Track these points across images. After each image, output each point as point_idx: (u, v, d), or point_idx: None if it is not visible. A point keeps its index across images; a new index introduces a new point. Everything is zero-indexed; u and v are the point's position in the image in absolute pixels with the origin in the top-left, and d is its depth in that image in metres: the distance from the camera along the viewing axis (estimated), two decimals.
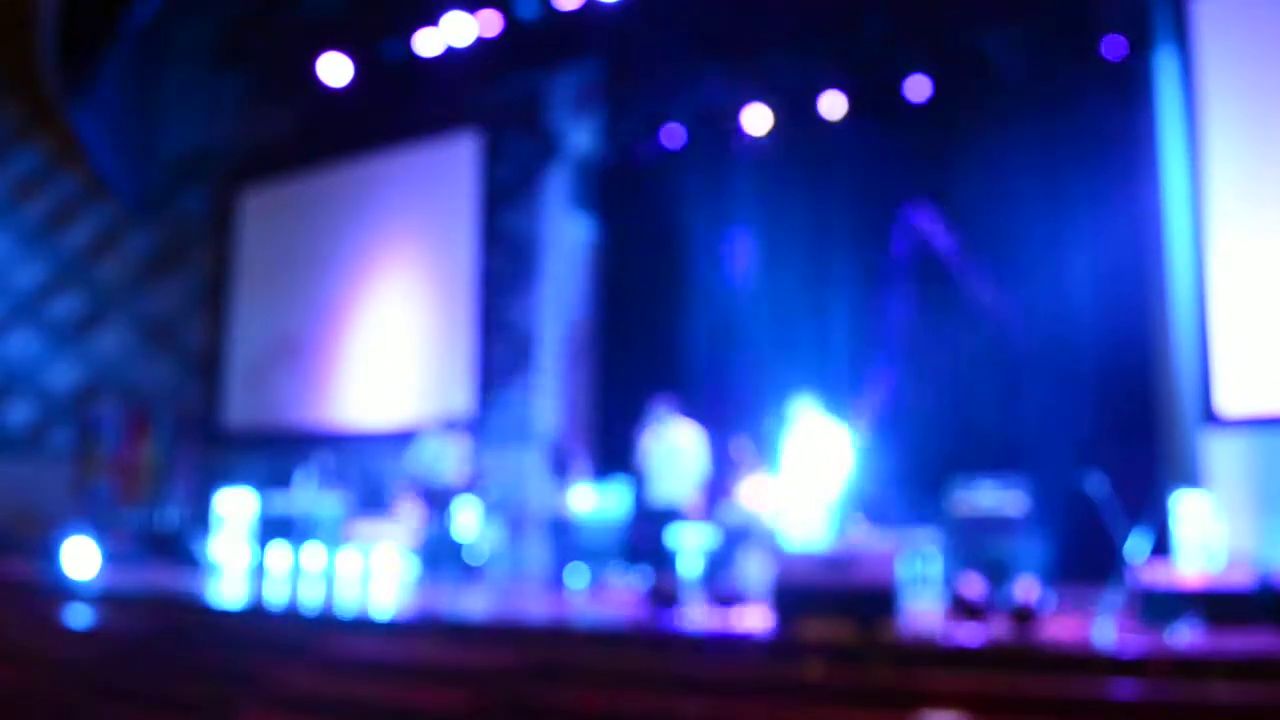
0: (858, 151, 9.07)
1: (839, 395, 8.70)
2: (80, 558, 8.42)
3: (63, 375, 12.70)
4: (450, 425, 9.11)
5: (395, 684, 5.30)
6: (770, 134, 9.50)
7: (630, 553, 8.18)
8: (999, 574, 6.49)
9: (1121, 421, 7.79)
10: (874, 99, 8.91)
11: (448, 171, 11.02)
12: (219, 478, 10.86)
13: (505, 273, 10.45)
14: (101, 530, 9.34)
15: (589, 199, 10.47)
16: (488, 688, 5.00)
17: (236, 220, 12.70)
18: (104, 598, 7.55)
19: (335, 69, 10.23)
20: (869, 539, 6.77)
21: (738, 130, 9.57)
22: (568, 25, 9.44)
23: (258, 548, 9.10)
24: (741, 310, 9.57)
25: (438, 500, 8.62)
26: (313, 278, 11.78)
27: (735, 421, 8.29)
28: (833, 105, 9.08)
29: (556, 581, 8.14)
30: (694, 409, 8.27)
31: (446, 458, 8.88)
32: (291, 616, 6.47)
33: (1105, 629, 4.97)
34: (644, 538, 7.83)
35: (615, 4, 9.02)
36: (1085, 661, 4.40)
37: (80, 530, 8.84)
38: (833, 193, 9.27)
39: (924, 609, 5.89)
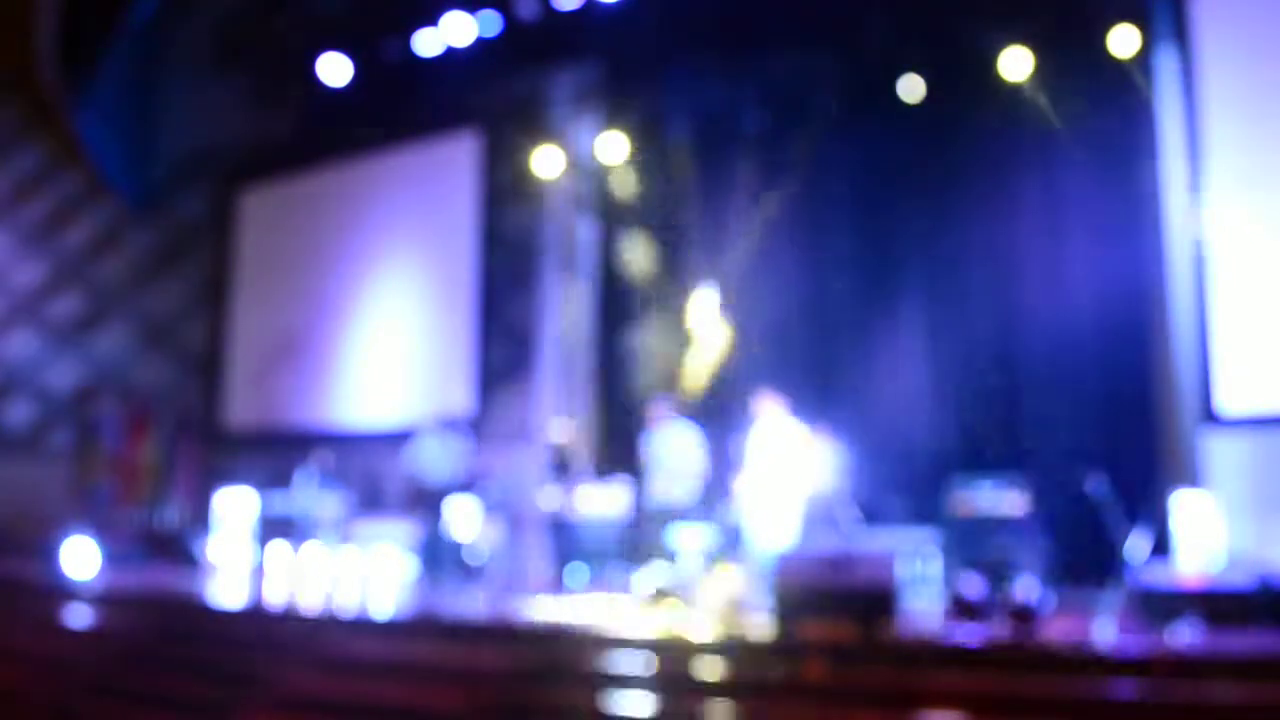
0: (857, 151, 9.07)
1: (838, 396, 8.73)
2: (80, 558, 8.42)
3: (63, 375, 12.70)
4: (448, 425, 9.11)
5: (395, 684, 5.30)
6: (769, 134, 9.49)
7: (630, 553, 8.18)
8: (999, 574, 6.49)
9: (1121, 421, 7.78)
10: (873, 99, 8.90)
11: (448, 171, 11.02)
12: (219, 478, 10.86)
13: (505, 273, 10.45)
14: (101, 530, 9.35)
15: (589, 199, 10.45)
16: (488, 688, 5.00)
17: (236, 220, 12.70)
18: (104, 598, 7.55)
19: (335, 69, 10.22)
20: (868, 539, 6.78)
21: (737, 130, 9.56)
22: (568, 25, 9.43)
23: (258, 548, 9.10)
24: (741, 309, 9.55)
25: (436, 500, 8.62)
26: (312, 278, 11.78)
27: (735, 421, 8.27)
28: (829, 104, 9.06)
29: (556, 581, 8.14)
30: (695, 408, 8.28)
31: (445, 457, 8.88)
32: (291, 616, 6.47)
33: (1105, 629, 4.97)
34: (644, 538, 7.84)
35: (615, 4, 9.01)
36: (1085, 661, 4.40)
37: (80, 530, 8.85)
38: (833, 192, 9.26)
39: (924, 609, 5.89)
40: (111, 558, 8.97)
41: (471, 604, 6.78)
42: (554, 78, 10.37)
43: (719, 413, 8.58)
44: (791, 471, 7.13)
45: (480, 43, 9.67)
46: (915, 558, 6.63)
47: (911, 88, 8.60)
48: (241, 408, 12.17)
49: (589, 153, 10.10)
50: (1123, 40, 7.77)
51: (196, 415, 12.32)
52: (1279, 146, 7.29)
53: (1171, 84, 7.75)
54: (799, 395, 7.71)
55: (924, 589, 6.50)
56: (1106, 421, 7.79)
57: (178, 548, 10.06)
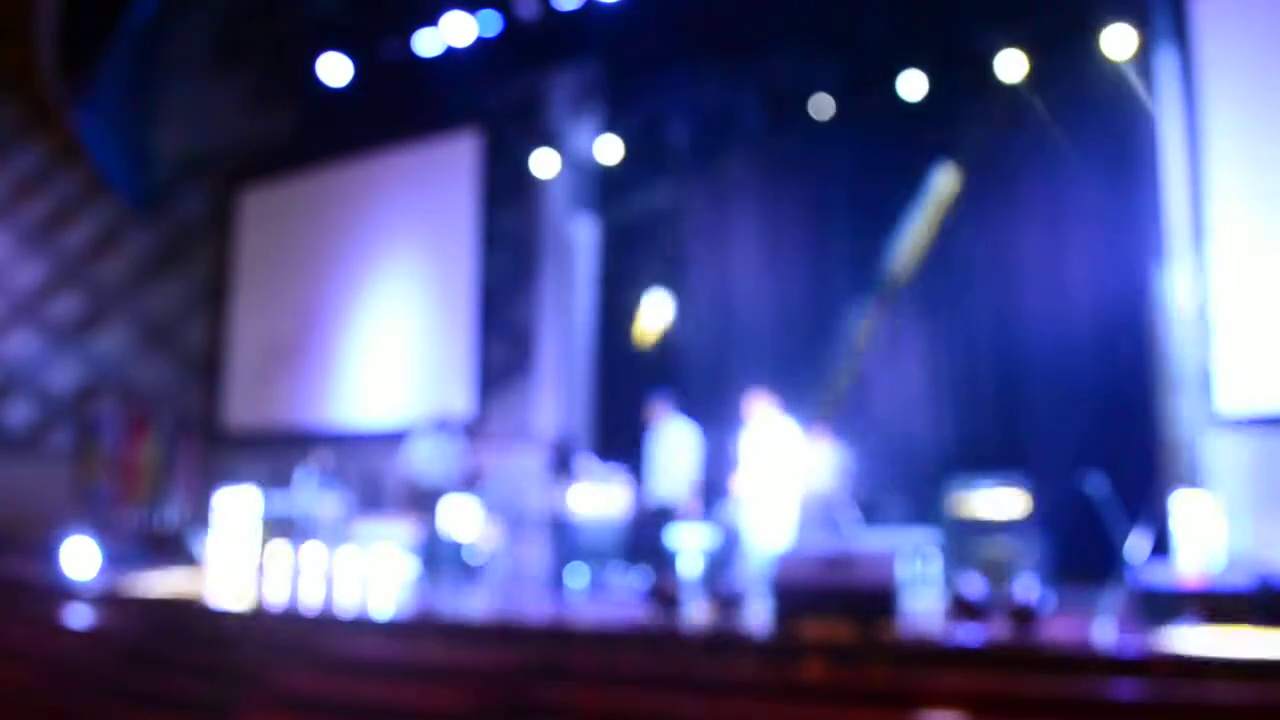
0: (857, 151, 9.07)
1: (837, 395, 8.73)
2: (80, 558, 8.42)
3: (63, 375, 12.70)
4: (444, 425, 9.11)
5: (395, 684, 5.30)
6: (769, 133, 9.49)
7: (630, 553, 8.18)
8: (999, 574, 6.50)
9: (1121, 421, 7.78)
10: (872, 99, 8.90)
11: (448, 171, 11.01)
12: (219, 478, 10.85)
13: (505, 273, 10.45)
14: (101, 530, 9.34)
15: (589, 199, 10.46)
16: (488, 688, 5.00)
17: (236, 220, 12.69)
18: (104, 598, 7.55)
19: (335, 69, 10.22)
20: (868, 539, 6.78)
21: (737, 130, 9.57)
22: (568, 25, 9.42)
23: (258, 548, 9.10)
24: (741, 309, 9.56)
25: (436, 500, 8.62)
26: (313, 278, 11.78)
27: (735, 421, 8.29)
28: (829, 104, 9.08)
29: (556, 581, 8.14)
30: (694, 408, 8.28)
31: (443, 457, 8.88)
32: (291, 616, 6.47)
33: (1105, 629, 4.97)
34: (644, 538, 7.84)
35: (615, 4, 9.01)
36: (1085, 661, 4.40)
37: (80, 530, 8.84)
38: (832, 192, 9.26)
39: (924, 609, 5.89)
40: (111, 558, 8.96)
41: (472, 604, 6.78)
42: (554, 78, 10.38)
43: (717, 411, 8.58)
44: (786, 471, 7.13)
45: (480, 43, 9.66)
46: (915, 558, 6.64)
47: (911, 87, 8.60)
48: (241, 408, 12.17)
49: (589, 153, 10.11)
50: (1122, 41, 7.77)
51: (196, 415, 12.32)
52: (1278, 146, 7.29)
53: (1171, 84, 7.75)
54: (798, 395, 7.72)
55: (924, 589, 6.51)
56: (1106, 421, 7.79)
57: (178, 548, 10.05)
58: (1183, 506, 6.48)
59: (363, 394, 11.19)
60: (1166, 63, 7.81)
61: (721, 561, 7.53)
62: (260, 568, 8.91)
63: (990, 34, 8.20)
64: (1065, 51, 8.09)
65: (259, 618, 6.60)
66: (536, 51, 9.96)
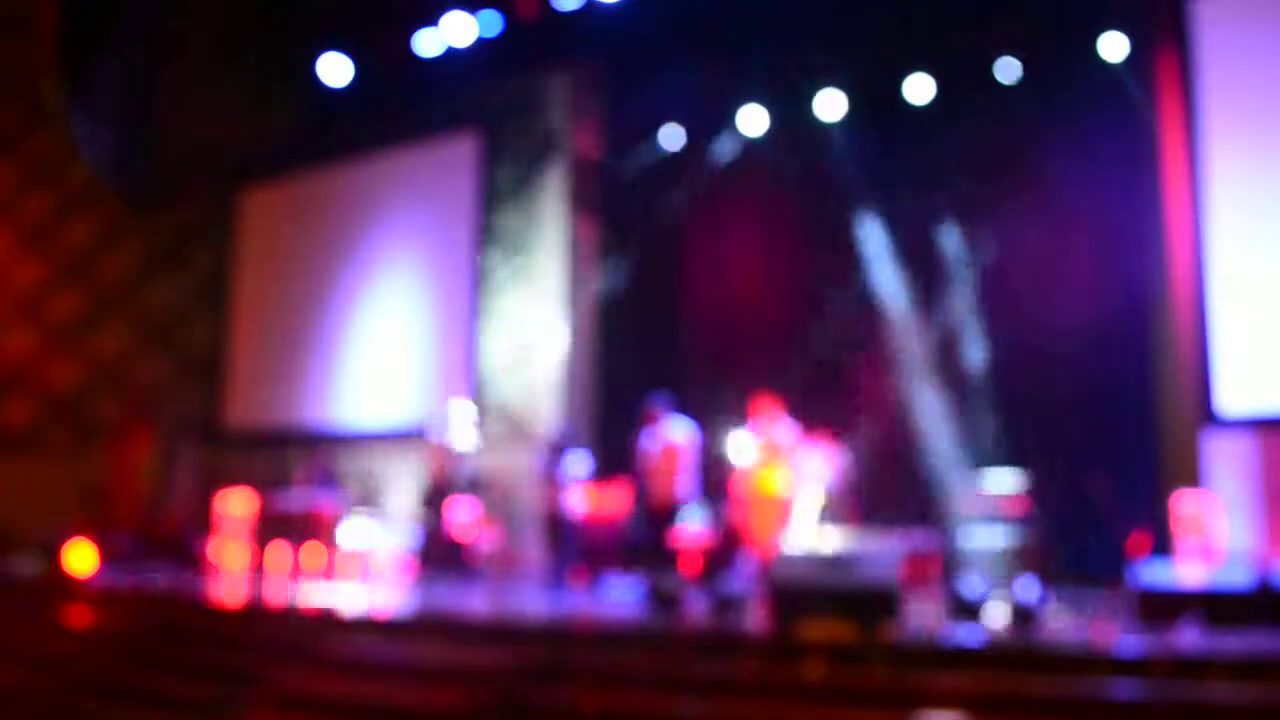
0: (856, 152, 9.07)
1: (834, 396, 8.73)
2: (80, 558, 8.43)
3: (63, 375, 12.69)
4: (447, 425, 9.11)
5: (395, 684, 5.30)
6: (769, 134, 9.50)
7: (630, 553, 8.18)
8: (999, 574, 6.49)
9: (1121, 421, 7.78)
10: (873, 100, 8.91)
11: (448, 171, 11.01)
12: (219, 478, 10.85)
13: (505, 273, 10.44)
14: (101, 530, 9.34)
15: (589, 199, 10.46)
16: (488, 688, 5.00)
17: (236, 220, 12.70)
18: (104, 598, 7.55)
19: (335, 69, 10.22)
20: (868, 539, 6.78)
21: (736, 130, 9.57)
22: (568, 25, 9.43)
23: (258, 548, 9.10)
24: (742, 309, 9.56)
25: (436, 500, 8.62)
26: (312, 277, 11.77)
27: (735, 421, 8.29)
28: (831, 106, 9.09)
29: (557, 581, 8.15)
30: (694, 408, 8.28)
31: (444, 457, 8.88)
32: (291, 616, 6.47)
33: (1105, 629, 4.97)
34: (644, 538, 7.84)
35: (615, 4, 9.01)
36: (1085, 661, 4.40)
37: (80, 530, 8.84)
38: (833, 191, 9.26)
39: (924, 609, 5.89)
40: (111, 558, 8.96)
41: (472, 604, 6.78)
42: (554, 78, 10.37)
43: (717, 411, 8.58)
44: (787, 471, 7.13)
45: (480, 43, 9.66)
46: (915, 557, 6.64)
47: (913, 90, 8.61)
48: (241, 408, 12.16)
49: (589, 153, 10.10)
50: (1122, 43, 7.79)
51: (196, 415, 12.31)
52: (1278, 147, 7.29)
53: (1172, 86, 7.75)
54: (799, 395, 7.72)
55: (925, 589, 6.51)
56: (1106, 421, 7.79)
57: (178, 548, 10.05)
58: (1183, 506, 6.49)
59: (363, 394, 11.19)
60: (1167, 65, 7.81)
61: (721, 561, 7.53)
62: (260, 568, 8.91)
63: (993, 37, 8.21)
64: (1066, 51, 8.09)
65: (259, 618, 6.60)
66: (536, 51, 9.96)
